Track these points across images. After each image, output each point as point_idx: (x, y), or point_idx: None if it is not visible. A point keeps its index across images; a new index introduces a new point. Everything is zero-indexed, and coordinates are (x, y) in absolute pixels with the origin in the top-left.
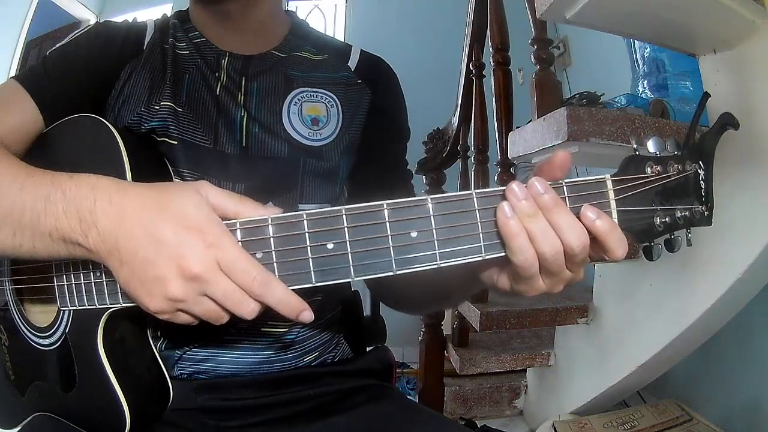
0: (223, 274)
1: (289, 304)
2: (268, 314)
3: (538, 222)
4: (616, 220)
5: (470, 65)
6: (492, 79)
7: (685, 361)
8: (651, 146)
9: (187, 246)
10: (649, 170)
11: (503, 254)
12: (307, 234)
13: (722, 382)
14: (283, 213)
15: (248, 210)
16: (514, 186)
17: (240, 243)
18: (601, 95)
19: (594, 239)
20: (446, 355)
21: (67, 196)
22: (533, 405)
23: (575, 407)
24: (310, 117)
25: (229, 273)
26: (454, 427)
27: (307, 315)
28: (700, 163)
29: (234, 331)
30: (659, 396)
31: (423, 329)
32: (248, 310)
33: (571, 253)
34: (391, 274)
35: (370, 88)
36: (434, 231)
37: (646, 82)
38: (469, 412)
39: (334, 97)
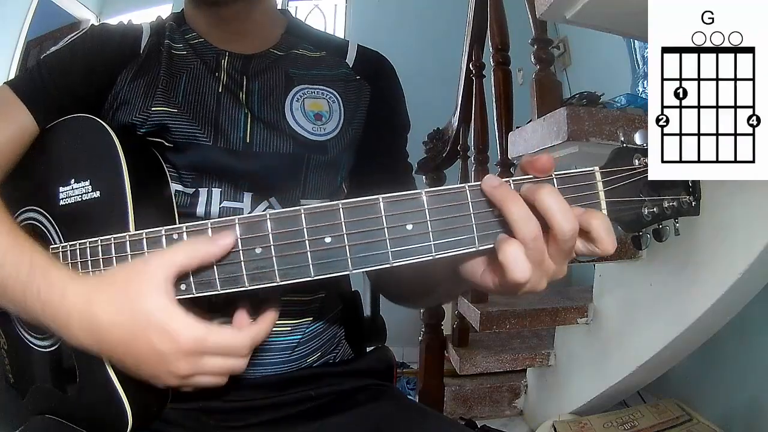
0: (211, 356)
1: (269, 330)
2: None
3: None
4: (605, 211)
5: (470, 65)
6: (492, 79)
7: (685, 361)
8: (638, 139)
9: (167, 358)
10: (636, 162)
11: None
12: (305, 229)
13: (722, 382)
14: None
15: (211, 249)
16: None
17: (239, 240)
18: (601, 95)
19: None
20: (446, 355)
21: (42, 298)
22: (533, 405)
23: (575, 407)
24: (313, 112)
25: (215, 354)
26: (454, 427)
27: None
28: None
29: None
30: (659, 396)
31: (423, 329)
32: (241, 367)
33: (561, 237)
34: (387, 265)
35: (369, 84)
36: (429, 223)
37: (646, 82)
38: (469, 412)
39: (335, 93)
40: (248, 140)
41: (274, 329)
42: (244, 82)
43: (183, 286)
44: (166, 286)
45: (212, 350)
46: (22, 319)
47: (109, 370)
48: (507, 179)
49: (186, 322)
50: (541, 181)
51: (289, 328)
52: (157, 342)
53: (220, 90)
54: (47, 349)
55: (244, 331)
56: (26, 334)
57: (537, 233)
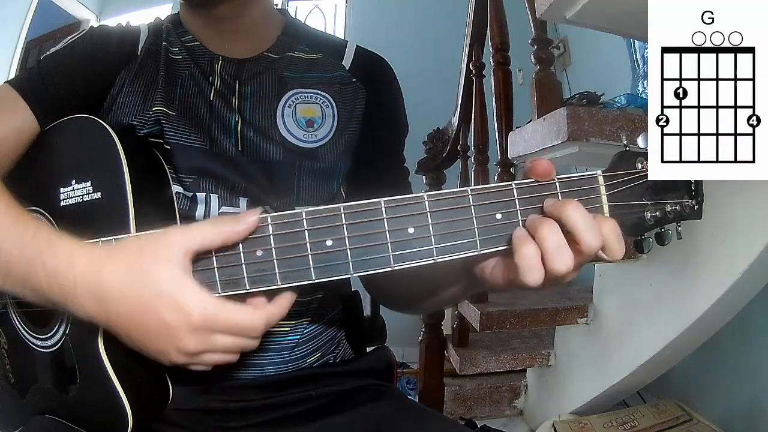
0: (221, 334)
1: (284, 313)
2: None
3: (555, 236)
4: (608, 215)
5: (470, 65)
6: (492, 79)
7: (685, 361)
8: (641, 142)
9: (176, 333)
10: (639, 166)
11: (498, 249)
12: (306, 231)
13: (722, 382)
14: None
15: (236, 227)
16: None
17: (240, 242)
18: (601, 95)
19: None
20: (446, 355)
21: (47, 269)
22: (533, 405)
23: (575, 407)
24: (305, 118)
25: (226, 333)
26: (453, 427)
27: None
28: None
29: None
30: (659, 396)
31: (423, 329)
32: (253, 347)
33: (588, 253)
34: (389, 269)
35: (365, 87)
36: (431, 227)
37: (646, 82)
38: (469, 412)
39: (329, 97)
40: (240, 147)
41: (273, 329)
42: (237, 87)
43: None
44: (182, 259)
45: (223, 328)
46: (28, 299)
47: (109, 371)
48: (510, 183)
49: (199, 296)
50: (544, 185)
51: (288, 329)
52: (166, 315)
53: (213, 96)
54: (48, 350)
55: (258, 311)
56: (27, 335)
57: (570, 265)
